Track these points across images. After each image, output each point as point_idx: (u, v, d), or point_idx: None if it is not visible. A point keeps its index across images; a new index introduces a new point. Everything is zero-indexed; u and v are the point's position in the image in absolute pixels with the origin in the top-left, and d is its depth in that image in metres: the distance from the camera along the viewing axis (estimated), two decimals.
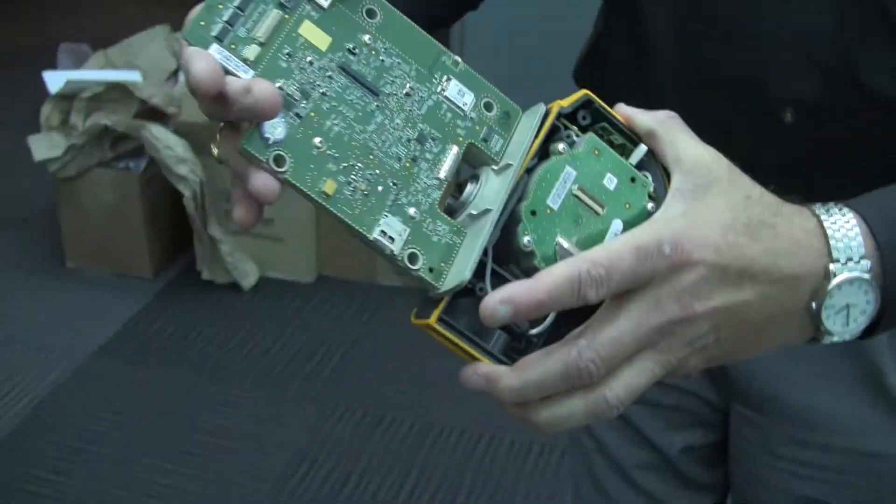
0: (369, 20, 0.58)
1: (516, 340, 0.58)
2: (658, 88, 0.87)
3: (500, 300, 0.53)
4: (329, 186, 0.54)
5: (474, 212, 0.57)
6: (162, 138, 2.71)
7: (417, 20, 0.62)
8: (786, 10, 0.79)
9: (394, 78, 0.57)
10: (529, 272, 0.55)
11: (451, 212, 0.59)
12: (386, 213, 0.56)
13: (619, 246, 0.54)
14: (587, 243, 0.57)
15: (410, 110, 0.57)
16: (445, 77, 0.59)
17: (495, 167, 0.59)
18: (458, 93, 0.59)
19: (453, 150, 0.58)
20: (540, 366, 0.55)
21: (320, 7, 0.56)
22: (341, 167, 0.55)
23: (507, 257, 0.57)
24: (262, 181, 0.53)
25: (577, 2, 1.02)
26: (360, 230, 0.55)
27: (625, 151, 0.60)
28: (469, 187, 0.59)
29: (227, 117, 0.55)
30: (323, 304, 2.89)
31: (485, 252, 0.56)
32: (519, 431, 2.37)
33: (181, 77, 3.07)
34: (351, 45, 0.57)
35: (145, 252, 2.91)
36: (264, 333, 2.77)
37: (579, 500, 1.16)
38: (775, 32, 0.80)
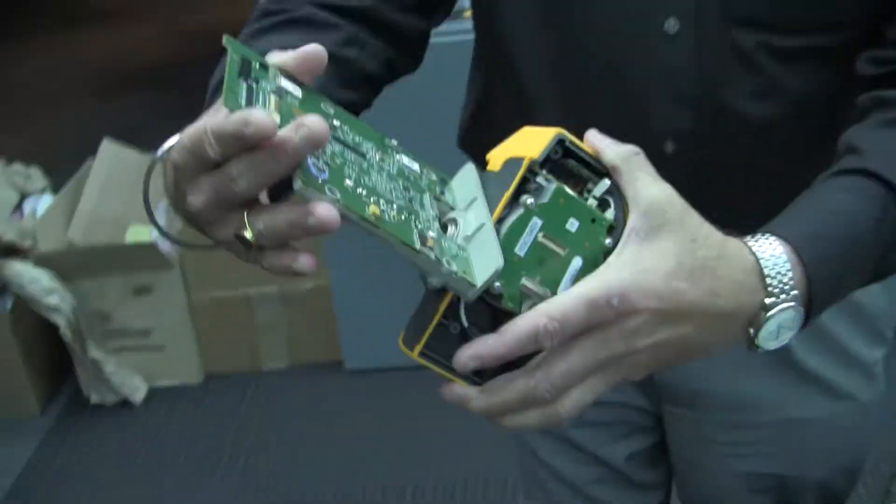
0: (329, 112, 0.66)
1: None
2: None
3: (469, 357, 0.63)
4: (374, 209, 0.61)
5: (468, 233, 0.65)
6: (24, 273, 2.68)
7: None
8: (652, 57, 0.89)
9: (367, 149, 0.66)
10: (498, 310, 0.64)
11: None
12: (416, 234, 0.63)
13: (572, 300, 0.62)
14: (549, 281, 0.65)
15: (388, 171, 0.66)
16: (395, 153, 0.68)
17: (461, 207, 0.68)
18: (408, 162, 0.68)
19: (427, 195, 0.67)
20: (503, 391, 0.65)
21: (296, 97, 0.64)
22: (371, 200, 0.62)
23: (478, 299, 0.65)
24: (324, 210, 0.58)
25: (434, 77, 1.10)
26: (409, 243, 0.62)
27: (591, 181, 0.68)
28: (451, 229, 0.67)
29: (273, 173, 0.59)
30: (216, 402, 2.90)
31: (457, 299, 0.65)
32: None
33: (27, 208, 3.05)
34: (329, 125, 0.64)
35: (28, 391, 2.86)
36: (167, 444, 2.75)
37: None
38: (646, 76, 0.90)
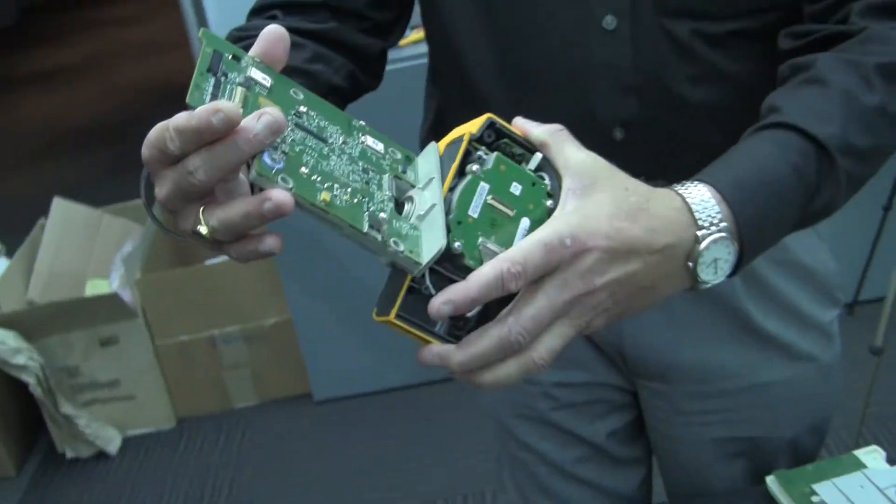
0: (297, 97, 0.72)
1: (456, 322, 0.72)
2: None
3: (442, 302, 0.68)
4: (326, 196, 0.68)
5: (421, 212, 0.72)
6: None
7: None
8: (593, 52, 0.96)
9: (330, 133, 0.72)
10: (461, 269, 0.70)
11: None
12: (366, 216, 0.69)
13: (529, 245, 0.68)
14: (503, 241, 0.71)
15: (350, 153, 0.72)
16: (360, 134, 0.74)
17: (420, 185, 0.74)
18: (372, 143, 0.74)
19: (387, 177, 0.73)
20: (480, 342, 0.70)
21: (265, 87, 0.70)
22: (325, 186, 0.68)
23: (442, 261, 0.71)
24: (278, 194, 0.65)
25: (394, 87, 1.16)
26: (357, 226, 0.68)
27: (524, 159, 0.75)
28: (407, 206, 0.73)
29: (232, 163, 0.65)
30: (192, 445, 2.92)
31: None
32: None
33: None
34: (295, 111, 0.71)
35: (2, 453, 2.87)
36: (146, 491, 2.77)
37: None
38: (588, 70, 0.97)
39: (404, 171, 0.74)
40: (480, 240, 0.71)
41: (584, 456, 1.23)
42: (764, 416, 1.15)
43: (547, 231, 0.69)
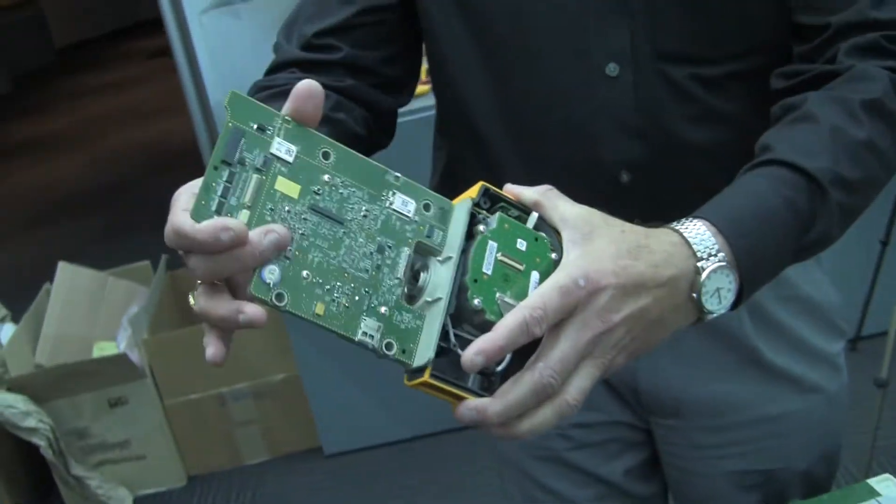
0: (325, 161, 0.74)
1: (486, 378, 0.75)
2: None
3: (474, 353, 0.70)
4: (319, 308, 0.70)
5: (429, 299, 0.75)
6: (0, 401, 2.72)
7: None
8: (596, 98, 0.99)
9: (352, 205, 0.74)
10: (483, 326, 0.73)
11: (411, 297, 0.75)
12: (364, 317, 0.72)
13: (546, 290, 0.72)
14: (518, 293, 0.74)
15: (369, 228, 0.74)
16: (391, 192, 0.76)
17: (440, 258, 0.76)
18: (402, 203, 0.76)
19: (405, 252, 0.75)
20: (515, 389, 0.72)
21: (287, 162, 0.72)
22: (326, 290, 0.70)
23: (464, 320, 0.74)
24: (253, 310, 0.69)
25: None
26: (349, 336, 0.71)
27: (521, 220, 0.79)
28: (422, 276, 0.76)
29: (232, 271, 0.69)
30: (203, 503, 2.92)
31: (444, 327, 0.73)
32: None
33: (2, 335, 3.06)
34: (316, 188, 0.72)
35: None
36: None
37: None
38: (592, 115, 1.00)
39: (429, 235, 0.76)
40: (498, 294, 0.74)
41: (601, 495, 1.24)
42: (776, 448, 1.17)
43: (560, 276, 0.73)
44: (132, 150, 6.60)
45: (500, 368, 0.75)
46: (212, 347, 0.73)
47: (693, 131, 1.00)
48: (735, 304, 0.80)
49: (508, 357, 0.75)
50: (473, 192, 0.78)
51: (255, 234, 0.68)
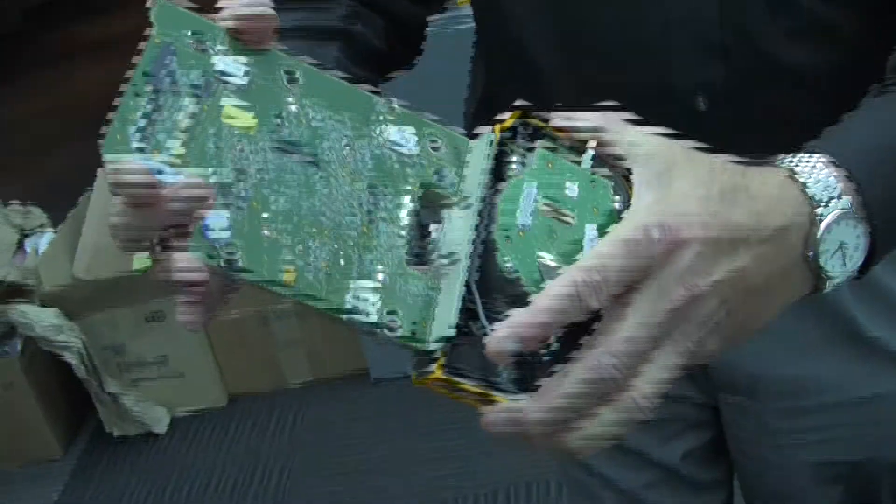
0: (290, 86, 0.54)
1: (524, 369, 0.55)
2: None
3: (504, 335, 0.51)
4: (289, 275, 0.51)
5: (445, 261, 0.55)
6: (31, 314, 2.62)
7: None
8: (667, 5, 0.80)
9: (331, 140, 0.54)
10: (519, 298, 0.53)
11: (421, 259, 0.56)
12: (354, 286, 0.52)
13: (606, 246, 0.53)
14: (568, 254, 0.55)
15: (355, 170, 0.54)
16: (384, 124, 0.56)
17: (455, 208, 0.57)
18: (400, 138, 0.56)
19: (408, 200, 0.56)
20: (562, 387, 0.52)
21: (238, 88, 0.52)
22: (297, 251, 0.51)
23: (490, 291, 0.54)
24: (184, 264, 0.49)
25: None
26: (332, 312, 0.52)
27: (572, 160, 0.59)
28: (433, 233, 0.57)
29: (159, 228, 0.50)
30: (243, 425, 2.83)
31: (468, 290, 0.54)
32: None
33: (28, 247, 2.98)
34: (278, 119, 0.53)
35: (49, 433, 2.80)
36: (196, 473, 2.68)
37: None
38: (662, 27, 0.81)
39: (439, 179, 0.57)
40: (539, 256, 0.55)
41: (656, 480, 1.08)
42: (867, 436, 0.99)
43: (626, 227, 0.53)
44: None
45: (546, 357, 0.55)
46: (183, 308, 0.52)
47: (790, 49, 0.80)
48: (864, 268, 0.61)
49: (556, 341, 0.55)
50: (507, 123, 0.59)
51: (169, 187, 0.49)
